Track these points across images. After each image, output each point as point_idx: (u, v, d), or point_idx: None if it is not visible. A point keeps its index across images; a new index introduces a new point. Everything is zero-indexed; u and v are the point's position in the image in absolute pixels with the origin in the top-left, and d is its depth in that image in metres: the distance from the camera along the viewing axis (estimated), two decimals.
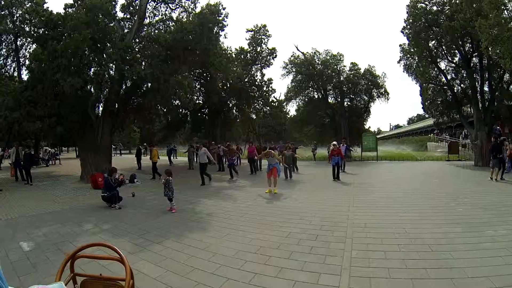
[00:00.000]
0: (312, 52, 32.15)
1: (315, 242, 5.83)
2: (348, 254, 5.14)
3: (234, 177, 16.06)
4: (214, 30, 17.31)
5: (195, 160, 20.01)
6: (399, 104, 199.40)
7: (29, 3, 18.51)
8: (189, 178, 16.09)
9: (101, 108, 17.51)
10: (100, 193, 10.24)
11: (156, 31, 18.43)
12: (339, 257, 5.03)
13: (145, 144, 15.86)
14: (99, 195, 10.35)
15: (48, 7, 16.75)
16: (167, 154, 27.20)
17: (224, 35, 18.60)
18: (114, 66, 15.66)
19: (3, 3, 17.46)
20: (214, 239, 6.26)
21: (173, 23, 18.95)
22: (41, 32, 15.47)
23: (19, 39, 22.98)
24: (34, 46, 18.17)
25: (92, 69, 15.25)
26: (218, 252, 5.46)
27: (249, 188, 13.26)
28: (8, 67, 23.86)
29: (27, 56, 20.93)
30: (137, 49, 16.33)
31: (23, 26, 18.04)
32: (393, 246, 5.46)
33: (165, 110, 22.72)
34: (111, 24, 16.49)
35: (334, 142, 15.56)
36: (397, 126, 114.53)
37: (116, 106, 16.84)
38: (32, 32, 15.82)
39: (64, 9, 16.42)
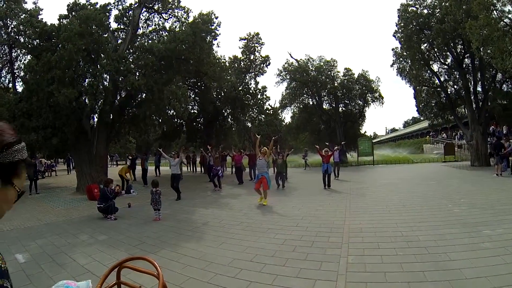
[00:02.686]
0: (305, 59, 32.40)
1: (311, 249, 5.78)
2: (344, 260, 5.10)
3: (217, 188, 15.50)
4: (207, 39, 17.30)
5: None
6: (394, 107, 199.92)
7: (24, 15, 18.54)
8: (182, 189, 15.92)
9: (96, 119, 17.42)
10: (96, 204, 10.13)
11: (150, 41, 18.46)
12: (335, 263, 4.99)
13: (159, 149, 15.70)
14: (95, 206, 10.23)
15: (42, 19, 16.82)
16: (155, 163, 26.44)
17: (217, 44, 18.63)
18: (108, 77, 15.69)
19: None
20: (209, 248, 6.21)
21: (166, 33, 19.00)
22: (35, 43, 15.49)
23: (14, 51, 23.03)
24: (29, 57, 18.12)
25: (86, 80, 15.23)
26: (214, 261, 5.41)
27: (245, 197, 13.09)
28: (3, 78, 23.93)
29: (22, 68, 20.92)
30: (131, 60, 16.28)
31: (17, 37, 18.04)
32: (390, 250, 5.42)
33: (160, 120, 22.67)
34: (105, 35, 16.53)
35: (325, 149, 15.36)
36: (393, 130, 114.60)
37: (111, 117, 16.75)
38: (27, 44, 15.79)
39: (59, 20, 16.33)
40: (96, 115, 17.18)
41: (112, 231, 8.09)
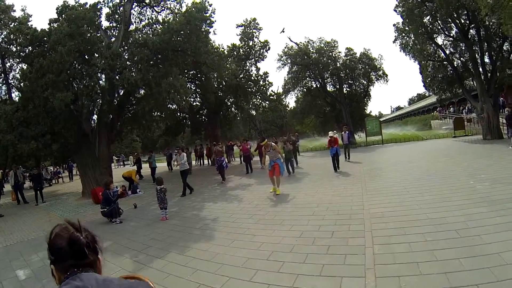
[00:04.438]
0: (305, 42, 31.64)
1: (332, 240, 5.32)
2: (370, 251, 4.63)
3: (223, 181, 15.21)
4: (203, 27, 16.73)
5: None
6: (398, 85, 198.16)
7: (13, 23, 18.12)
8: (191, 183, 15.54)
9: (96, 121, 17.04)
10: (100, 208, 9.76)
11: (145, 35, 17.93)
12: (360, 255, 4.54)
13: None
14: (100, 211, 9.86)
15: (32, 25, 16.45)
16: (166, 160, 26.78)
17: (213, 31, 18.00)
18: (103, 76, 15.28)
19: None
20: (220, 247, 5.78)
21: (160, 26, 18.46)
22: (27, 51, 15.16)
23: (7, 61, 22.68)
24: (23, 66, 17.73)
25: (81, 81, 14.81)
26: (226, 262, 4.99)
27: (256, 187, 12.70)
28: None
29: (17, 77, 20.61)
30: (126, 56, 15.82)
31: (8, 47, 17.67)
32: (418, 236, 4.94)
33: (161, 115, 22.27)
34: (98, 34, 16.09)
35: (330, 133, 14.91)
36: (398, 108, 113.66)
37: (110, 117, 16.35)
38: (19, 52, 15.44)
39: (49, 24, 15.94)
40: (95, 116, 16.81)
41: (116, 236, 7.71)
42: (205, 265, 5.03)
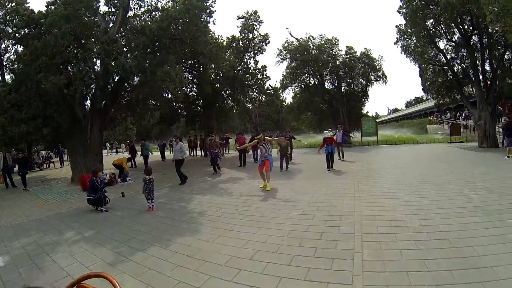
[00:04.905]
0: (306, 37, 31.38)
1: (320, 242, 5.12)
2: (359, 256, 4.44)
3: (217, 172, 15.26)
4: (202, 17, 16.43)
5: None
6: (396, 87, 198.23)
7: (10, 4, 17.71)
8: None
9: (89, 106, 16.73)
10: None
11: (143, 22, 17.59)
12: (348, 260, 4.34)
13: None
14: (86, 198, 9.63)
15: (29, 6, 16.07)
16: (158, 149, 26.80)
17: (213, 21, 17.63)
18: (98, 61, 15.00)
19: None
20: (205, 243, 5.57)
21: (159, 13, 18.12)
22: (22, 32, 14.85)
23: (2, 41, 22.20)
24: (19, 48, 17.37)
25: (76, 65, 14.51)
26: (209, 259, 4.78)
27: (247, 181, 12.50)
28: None
29: (11, 59, 20.18)
30: (123, 43, 15.49)
31: (4, 28, 17.27)
32: (409, 243, 4.76)
33: (156, 104, 21.98)
34: (96, 19, 15.79)
35: (325, 131, 14.83)
36: (395, 110, 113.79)
37: (104, 103, 16.06)
38: (14, 33, 15.12)
39: (46, 6, 15.56)
40: (89, 101, 16.51)
41: (100, 225, 7.48)
42: (187, 261, 4.83)
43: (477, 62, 20.22)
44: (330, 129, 14.93)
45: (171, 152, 31.47)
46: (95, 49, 14.15)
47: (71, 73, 14.21)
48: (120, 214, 8.55)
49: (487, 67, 20.42)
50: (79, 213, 9.18)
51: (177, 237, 6.02)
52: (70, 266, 5.04)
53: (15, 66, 15.56)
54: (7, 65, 21.75)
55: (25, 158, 16.89)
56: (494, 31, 18.86)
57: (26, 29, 14.81)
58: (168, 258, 4.98)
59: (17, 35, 14.98)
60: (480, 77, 20.22)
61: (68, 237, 6.79)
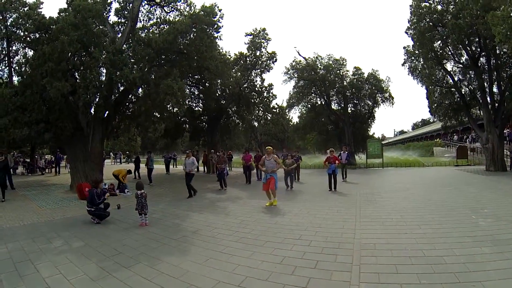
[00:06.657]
0: (314, 57, 31.48)
1: (314, 272, 4.75)
2: None
3: (223, 188, 15.28)
4: (209, 32, 16.44)
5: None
6: (403, 109, 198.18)
7: (23, 8, 17.92)
8: (183, 188, 14.98)
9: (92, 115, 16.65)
10: (85, 204, 9.24)
11: (151, 35, 17.65)
12: None
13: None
14: (83, 207, 9.57)
15: (41, 12, 16.24)
16: (164, 162, 26.65)
17: (219, 36, 17.65)
18: (104, 70, 14.98)
19: None
20: (193, 264, 5.25)
21: (167, 26, 18.21)
22: (33, 37, 15.16)
23: (13, 44, 22.43)
24: (29, 51, 17.59)
25: (81, 73, 14.51)
26: (195, 283, 4.47)
27: (247, 200, 12.15)
28: (1, 73, 23.30)
29: (19, 62, 20.36)
30: (130, 54, 15.52)
31: (15, 30, 17.42)
32: (411, 276, 4.38)
33: (160, 116, 21.87)
34: (105, 28, 15.89)
35: (331, 149, 14.64)
36: (402, 132, 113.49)
37: (106, 113, 15.98)
38: (25, 37, 15.25)
39: (58, 13, 15.83)
40: (92, 110, 16.44)
41: (90, 237, 7.21)
42: (171, 282, 4.53)
43: (485, 84, 20.02)
44: (332, 149, 14.67)
45: (174, 166, 31.52)
46: (100, 58, 14.15)
47: (77, 80, 14.22)
48: (112, 227, 8.29)
49: (495, 89, 20.31)
50: (71, 222, 8.97)
51: (166, 256, 5.72)
52: (51, 277, 4.84)
53: (23, 69, 15.64)
54: (16, 68, 21.97)
55: (5, 162, 15.04)
56: (502, 52, 18.77)
57: (36, 33, 15.10)
58: (153, 278, 4.69)
59: (27, 38, 15.21)
60: (488, 99, 20.07)
61: (56, 246, 6.59)
